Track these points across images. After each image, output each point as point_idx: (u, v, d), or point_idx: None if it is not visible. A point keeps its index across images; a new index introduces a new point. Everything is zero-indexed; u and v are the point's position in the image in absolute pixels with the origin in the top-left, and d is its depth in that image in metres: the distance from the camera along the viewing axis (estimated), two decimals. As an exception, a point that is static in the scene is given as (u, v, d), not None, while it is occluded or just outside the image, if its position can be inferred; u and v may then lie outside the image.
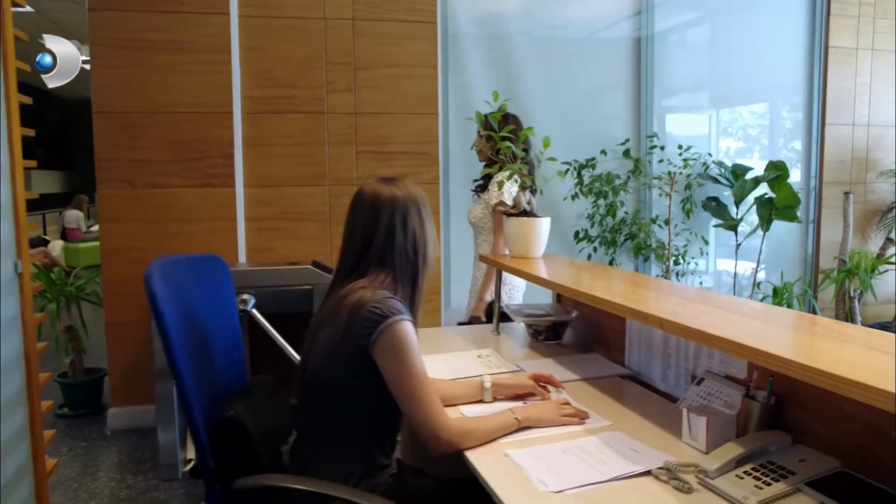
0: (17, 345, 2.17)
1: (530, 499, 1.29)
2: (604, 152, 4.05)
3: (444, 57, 4.00)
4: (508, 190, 2.76)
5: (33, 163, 2.58)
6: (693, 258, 4.31)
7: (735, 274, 4.45)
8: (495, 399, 1.81)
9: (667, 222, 4.23)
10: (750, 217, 4.47)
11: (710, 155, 4.26)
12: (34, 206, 14.24)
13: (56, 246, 9.19)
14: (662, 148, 4.14)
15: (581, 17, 4.40)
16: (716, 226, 4.49)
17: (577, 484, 1.33)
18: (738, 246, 4.37)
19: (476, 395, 1.80)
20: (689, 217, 4.34)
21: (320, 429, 1.53)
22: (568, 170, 3.74)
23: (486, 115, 2.64)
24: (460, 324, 3.02)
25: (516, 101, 4.22)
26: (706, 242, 4.39)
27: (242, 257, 3.72)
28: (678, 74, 4.48)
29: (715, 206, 4.45)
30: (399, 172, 3.89)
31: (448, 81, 4.05)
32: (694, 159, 4.02)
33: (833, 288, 4.65)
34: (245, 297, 3.06)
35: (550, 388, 1.87)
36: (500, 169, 2.59)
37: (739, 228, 4.35)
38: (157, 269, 1.44)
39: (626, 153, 4.14)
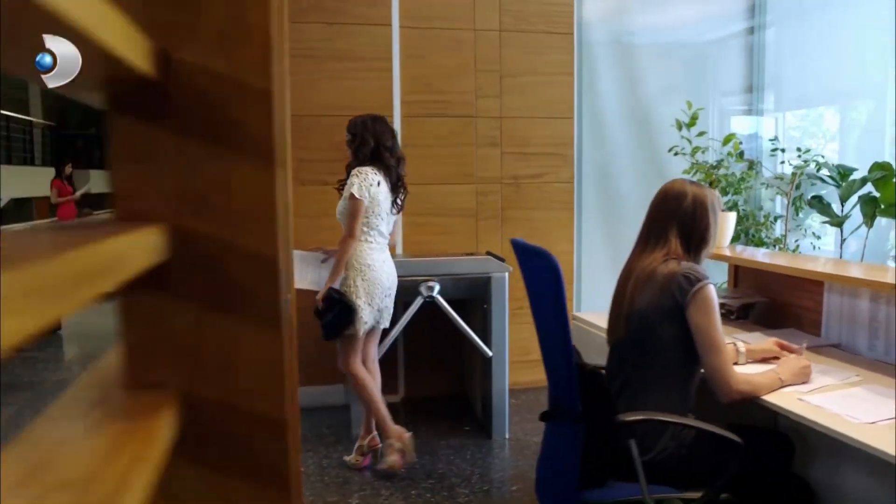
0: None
1: (853, 429, 1.59)
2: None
3: (579, 65, 4.32)
4: (359, 185, 3.01)
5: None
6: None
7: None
8: (747, 361, 2.12)
9: (776, 219, 4.52)
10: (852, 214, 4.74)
11: (823, 157, 4.54)
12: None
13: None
14: (783, 150, 4.43)
15: (692, 22, 4.72)
16: (823, 222, 4.77)
17: (884, 417, 1.63)
18: (843, 241, 4.65)
19: (733, 357, 2.11)
20: (798, 214, 4.62)
21: (641, 373, 1.85)
22: (695, 171, 4.04)
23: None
24: None
25: (641, 106, 4.54)
26: (818, 238, 4.68)
27: (399, 249, 4.04)
28: (768, 75, 4.76)
29: (820, 204, 4.73)
30: (538, 172, 4.23)
31: (582, 88, 4.36)
32: (814, 161, 4.31)
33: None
34: (431, 283, 3.39)
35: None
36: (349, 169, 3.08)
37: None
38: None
39: (741, 155, 4.42)
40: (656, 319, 1.84)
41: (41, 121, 14.22)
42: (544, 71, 4.18)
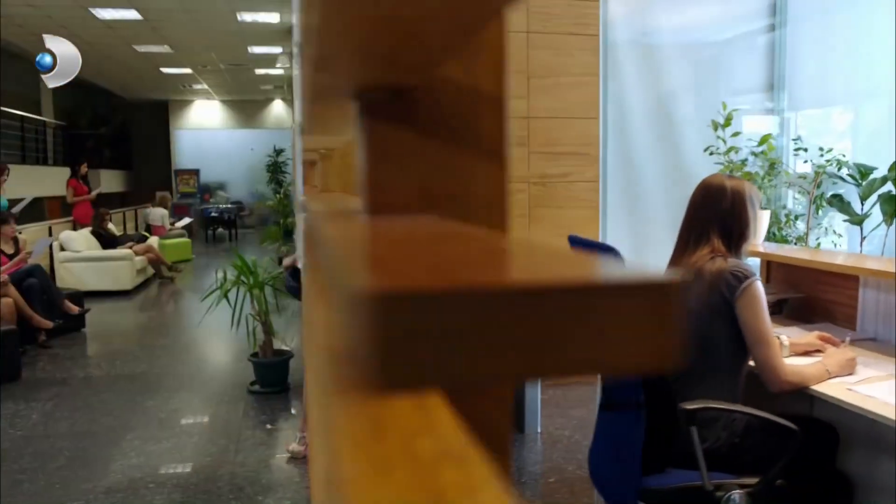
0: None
1: (906, 417, 1.66)
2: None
3: (604, 66, 4.39)
4: None
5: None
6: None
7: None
8: (791, 354, 2.18)
9: (796, 218, 4.59)
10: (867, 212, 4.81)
11: (844, 156, 4.60)
12: (119, 202, 14.83)
13: (153, 241, 9.67)
14: (806, 150, 4.49)
15: (712, 21, 4.79)
16: (844, 221, 4.84)
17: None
18: (864, 239, 4.72)
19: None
20: (818, 213, 4.68)
21: (692, 368, 1.92)
22: (731, 169, 4.10)
23: None
24: None
25: (663, 104, 4.60)
26: (839, 236, 4.75)
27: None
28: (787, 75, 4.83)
29: (840, 203, 4.80)
30: (564, 171, 4.30)
31: (607, 89, 4.43)
32: (837, 160, 4.38)
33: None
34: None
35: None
36: None
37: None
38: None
39: (764, 154, 4.49)
40: (706, 316, 1.90)
41: (53, 120, 14.30)
42: (570, 72, 4.25)
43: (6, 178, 6.62)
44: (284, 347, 4.53)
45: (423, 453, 0.22)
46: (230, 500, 2.93)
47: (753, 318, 1.86)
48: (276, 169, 17.89)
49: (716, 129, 3.54)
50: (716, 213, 1.96)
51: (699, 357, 1.91)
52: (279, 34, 10.06)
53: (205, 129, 18.28)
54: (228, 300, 4.33)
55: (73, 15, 8.70)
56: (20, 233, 6.36)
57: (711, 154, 3.66)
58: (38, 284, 5.73)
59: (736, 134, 3.62)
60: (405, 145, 0.53)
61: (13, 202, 7.31)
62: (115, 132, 17.67)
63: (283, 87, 15.96)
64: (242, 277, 4.36)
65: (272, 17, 9.06)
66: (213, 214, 15.65)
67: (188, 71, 13.34)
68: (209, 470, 3.25)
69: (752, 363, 1.96)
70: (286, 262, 3.44)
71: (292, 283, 3.87)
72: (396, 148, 0.54)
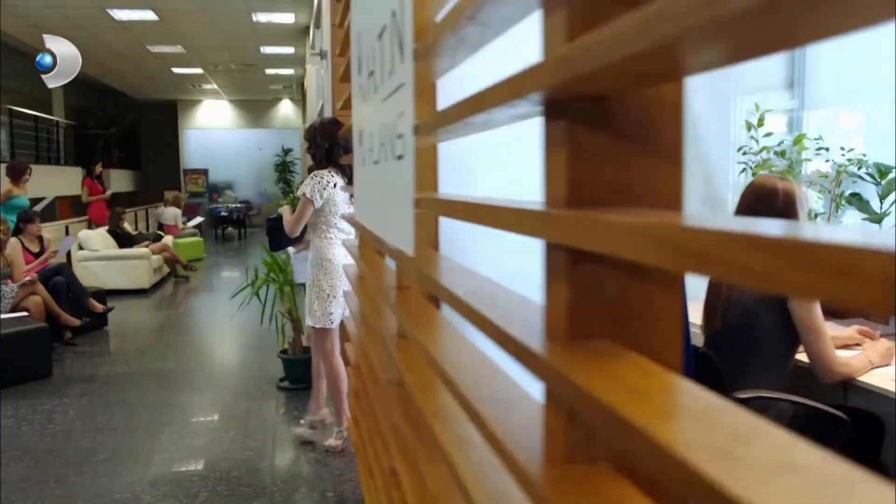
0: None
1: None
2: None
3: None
4: (311, 187, 3.20)
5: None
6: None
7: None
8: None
9: (817, 216, 4.65)
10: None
11: (865, 155, 4.66)
12: (127, 202, 14.94)
13: (167, 241, 9.74)
14: (827, 149, 4.55)
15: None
16: (863, 219, 4.90)
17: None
18: (883, 238, 4.77)
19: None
20: (838, 211, 4.75)
21: (743, 359, 1.99)
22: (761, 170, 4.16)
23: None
24: None
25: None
26: (859, 234, 4.80)
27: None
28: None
29: (859, 202, 4.86)
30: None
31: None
32: (859, 159, 4.43)
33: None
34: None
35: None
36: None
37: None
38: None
39: (783, 153, 4.55)
40: (758, 310, 1.97)
41: (64, 120, 14.37)
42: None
43: (28, 177, 6.69)
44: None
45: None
46: (274, 493, 3.00)
47: (806, 311, 1.93)
48: (284, 168, 17.95)
49: (749, 129, 3.61)
50: (769, 214, 2.03)
51: (752, 348, 1.98)
52: (292, 34, 10.13)
53: (213, 128, 18.35)
54: (259, 297, 4.40)
55: (90, 15, 8.78)
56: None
57: (745, 154, 3.72)
58: (64, 283, 5.80)
59: (768, 134, 3.69)
60: (600, 147, 0.60)
61: (34, 201, 7.39)
62: (125, 132, 17.76)
63: (291, 86, 16.02)
64: (273, 275, 4.43)
65: (287, 18, 9.13)
66: (222, 214, 15.72)
67: (199, 71, 13.42)
68: (250, 464, 3.32)
69: (799, 355, 2.02)
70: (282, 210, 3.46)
71: (275, 235, 3.74)
72: (593, 149, 0.60)
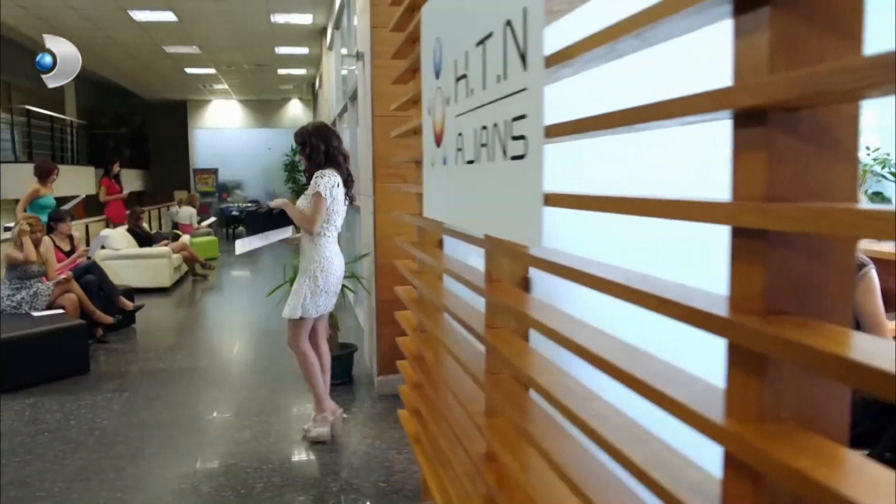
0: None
1: None
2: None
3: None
4: (324, 185, 3.31)
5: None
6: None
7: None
8: (885, 340, 2.35)
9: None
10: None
11: (889, 155, 4.76)
12: (136, 201, 14.99)
13: (185, 240, 9.82)
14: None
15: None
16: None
17: None
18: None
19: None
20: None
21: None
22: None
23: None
24: None
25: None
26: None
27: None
28: None
29: (881, 200, 4.95)
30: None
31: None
32: (883, 159, 4.53)
33: None
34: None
35: None
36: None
37: None
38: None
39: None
40: None
41: (77, 120, 14.45)
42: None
43: (55, 177, 6.77)
44: (349, 341, 4.69)
45: None
46: (329, 483, 3.08)
47: (870, 304, 2.02)
48: (293, 168, 18.03)
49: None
50: None
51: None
52: (307, 35, 10.21)
53: (222, 128, 18.43)
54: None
55: (110, 17, 8.86)
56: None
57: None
58: (95, 281, 5.88)
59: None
60: (789, 149, 0.69)
61: (60, 200, 7.46)
62: (134, 132, 17.84)
63: (302, 86, 16.10)
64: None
65: (305, 19, 9.21)
66: (233, 213, 15.81)
67: (212, 71, 13.50)
68: (300, 455, 3.41)
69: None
70: (274, 203, 3.50)
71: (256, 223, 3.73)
72: (784, 151, 0.70)
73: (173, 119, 18.37)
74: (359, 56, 4.46)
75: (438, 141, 2.09)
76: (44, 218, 6.08)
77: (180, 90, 16.50)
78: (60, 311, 5.25)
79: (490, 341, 1.73)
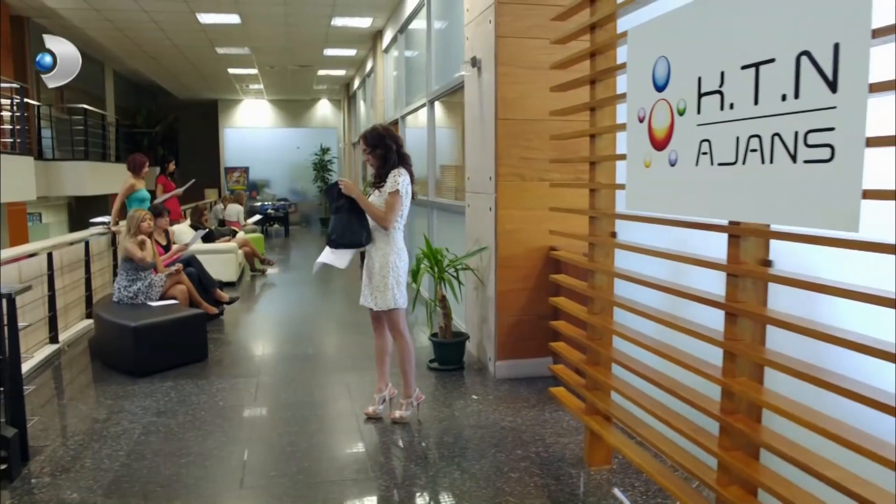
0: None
1: None
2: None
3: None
4: (402, 183, 3.60)
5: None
6: None
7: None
8: None
9: None
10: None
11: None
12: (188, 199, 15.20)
13: (242, 236, 10.12)
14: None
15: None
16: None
17: None
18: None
19: None
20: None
21: None
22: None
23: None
24: None
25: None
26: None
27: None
28: None
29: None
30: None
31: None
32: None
33: None
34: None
35: None
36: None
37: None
38: None
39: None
40: None
41: (121, 120, 14.71)
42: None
43: (147, 169, 7.04)
44: (461, 329, 5.00)
45: None
46: (496, 454, 3.38)
47: None
48: (322, 167, 18.32)
49: None
50: None
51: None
52: (359, 37, 10.51)
53: (252, 127, 18.71)
54: (416, 284, 4.79)
55: (176, 19, 9.14)
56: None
57: None
58: (195, 273, 6.19)
59: None
60: None
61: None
62: (167, 130, 18.12)
63: (336, 87, 16.38)
64: (426, 263, 4.82)
65: (364, 22, 9.51)
66: (269, 211, 16.11)
67: (254, 71, 13.78)
68: (446, 428, 3.71)
69: None
70: (344, 185, 3.63)
71: (338, 202, 3.68)
72: None
73: (204, 118, 18.64)
74: (475, 62, 4.76)
75: (661, 145, 2.40)
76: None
77: (214, 89, 16.77)
78: (174, 301, 5.55)
79: (736, 308, 2.05)
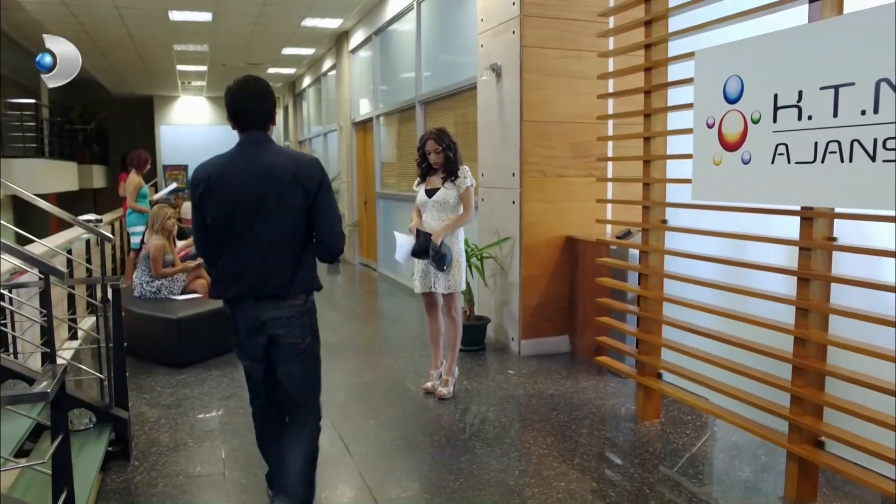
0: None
1: None
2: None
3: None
4: (471, 177, 4.19)
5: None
6: None
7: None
8: None
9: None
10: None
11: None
12: (107, 197, 14.70)
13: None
14: None
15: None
16: None
17: None
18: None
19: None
20: None
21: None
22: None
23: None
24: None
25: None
26: None
27: (608, 228, 5.14)
28: None
29: None
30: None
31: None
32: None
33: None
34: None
35: None
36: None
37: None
38: None
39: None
40: None
41: (47, 117, 14.16)
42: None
43: (149, 167, 7.07)
44: (482, 314, 5.47)
45: None
46: (559, 416, 3.88)
47: None
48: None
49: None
50: None
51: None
52: (322, 37, 10.70)
53: (191, 124, 18.34)
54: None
55: (147, 15, 9.06)
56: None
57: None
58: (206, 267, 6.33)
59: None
60: None
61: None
62: (101, 127, 17.48)
63: (281, 85, 16.35)
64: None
65: (334, 23, 9.74)
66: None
67: (203, 68, 13.63)
68: (510, 399, 4.18)
69: None
70: (437, 237, 4.01)
71: (438, 252, 4.01)
72: None
73: (138, 114, 18.11)
74: (495, 68, 5.22)
75: (732, 147, 2.96)
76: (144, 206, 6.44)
77: (153, 85, 16.36)
78: (196, 294, 5.71)
79: (809, 273, 2.63)
